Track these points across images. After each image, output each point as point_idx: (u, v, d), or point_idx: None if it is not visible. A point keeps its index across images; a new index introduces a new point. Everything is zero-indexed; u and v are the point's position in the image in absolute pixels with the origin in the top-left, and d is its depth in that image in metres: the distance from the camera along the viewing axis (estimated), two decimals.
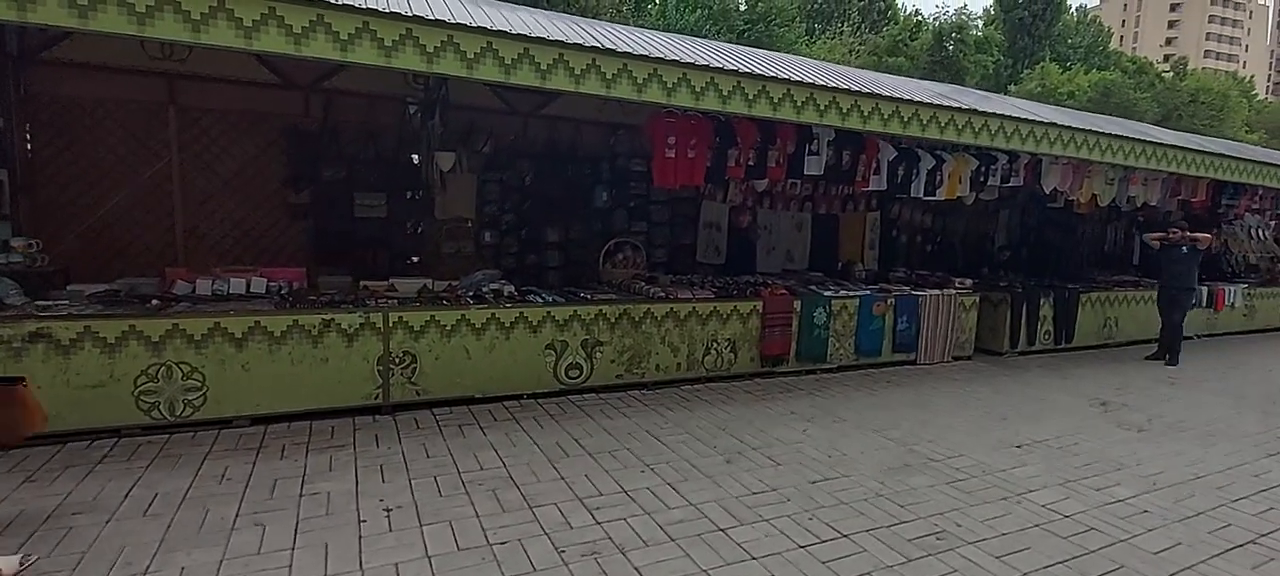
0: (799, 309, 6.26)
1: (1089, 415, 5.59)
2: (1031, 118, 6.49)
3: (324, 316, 4.50)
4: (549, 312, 5.20)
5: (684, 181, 5.43)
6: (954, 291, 7.30)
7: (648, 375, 5.65)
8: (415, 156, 6.46)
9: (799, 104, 5.06)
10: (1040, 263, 9.67)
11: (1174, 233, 7.89)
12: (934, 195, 6.69)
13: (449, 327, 4.87)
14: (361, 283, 5.34)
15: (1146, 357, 8.02)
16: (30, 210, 5.45)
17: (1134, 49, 63.94)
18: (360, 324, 4.60)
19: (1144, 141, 7.41)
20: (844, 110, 5.25)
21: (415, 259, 6.74)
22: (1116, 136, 7.10)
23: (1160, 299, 8.12)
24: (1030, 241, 10.30)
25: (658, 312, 5.62)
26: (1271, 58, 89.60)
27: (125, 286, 4.69)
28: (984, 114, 6.03)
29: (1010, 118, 6.23)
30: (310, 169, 6.17)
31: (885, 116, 5.45)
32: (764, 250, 8.31)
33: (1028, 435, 4.96)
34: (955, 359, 7.39)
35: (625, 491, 3.61)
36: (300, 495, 3.45)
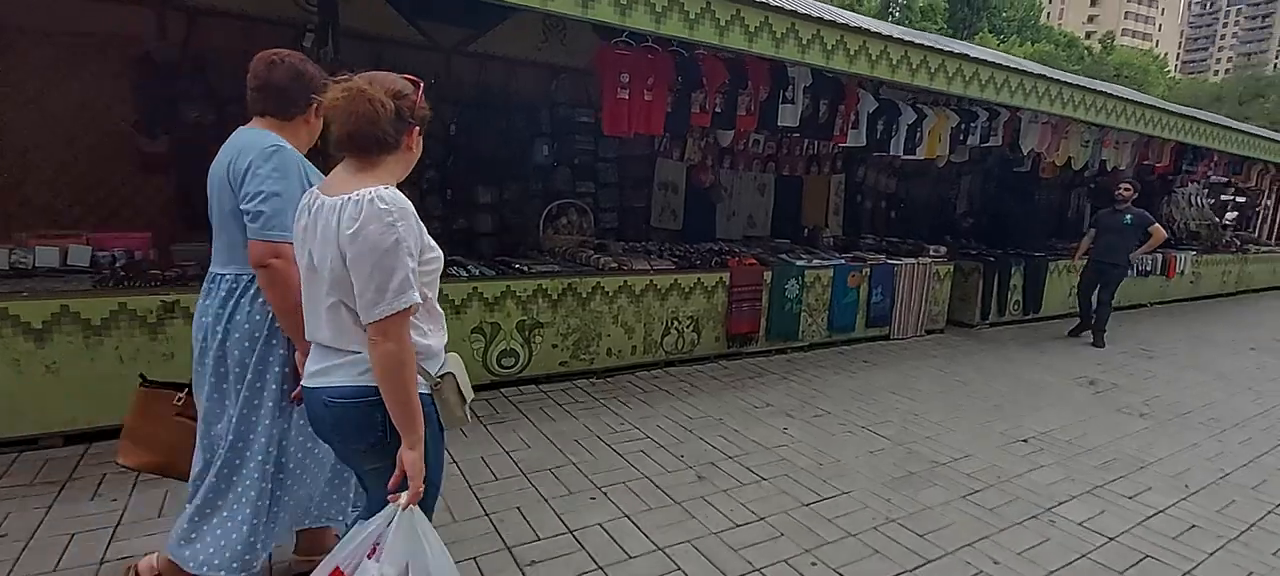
0: (769, 281, 5.49)
1: (1083, 399, 5.08)
2: (1024, 68, 5.85)
3: (165, 298, 3.38)
4: (476, 288, 4.22)
5: (639, 129, 4.49)
6: (929, 260, 6.69)
7: (597, 361, 4.77)
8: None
9: (778, 35, 4.18)
10: (1000, 231, 9.28)
11: (1125, 189, 6.78)
12: (913, 154, 6.00)
13: None
14: None
15: (1069, 333, 7.23)
16: None
17: (1060, 23, 66.27)
18: None
19: (1124, 99, 6.93)
20: (828, 46, 4.41)
21: None
22: (1100, 92, 6.57)
23: (1086, 272, 6.98)
24: (990, 208, 9.91)
25: (609, 287, 4.72)
26: (1181, 38, 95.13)
27: None
28: (977, 61, 5.32)
29: (1001, 67, 5.56)
30: (168, 109, 4.88)
31: (873, 57, 4.65)
32: (724, 215, 7.49)
33: (1030, 427, 4.37)
34: (928, 332, 6.83)
35: (570, 531, 2.73)
36: (102, 560, 2.41)
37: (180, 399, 2.12)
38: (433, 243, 1.54)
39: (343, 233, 1.41)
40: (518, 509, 2.90)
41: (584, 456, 3.48)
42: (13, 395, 3.14)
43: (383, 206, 1.40)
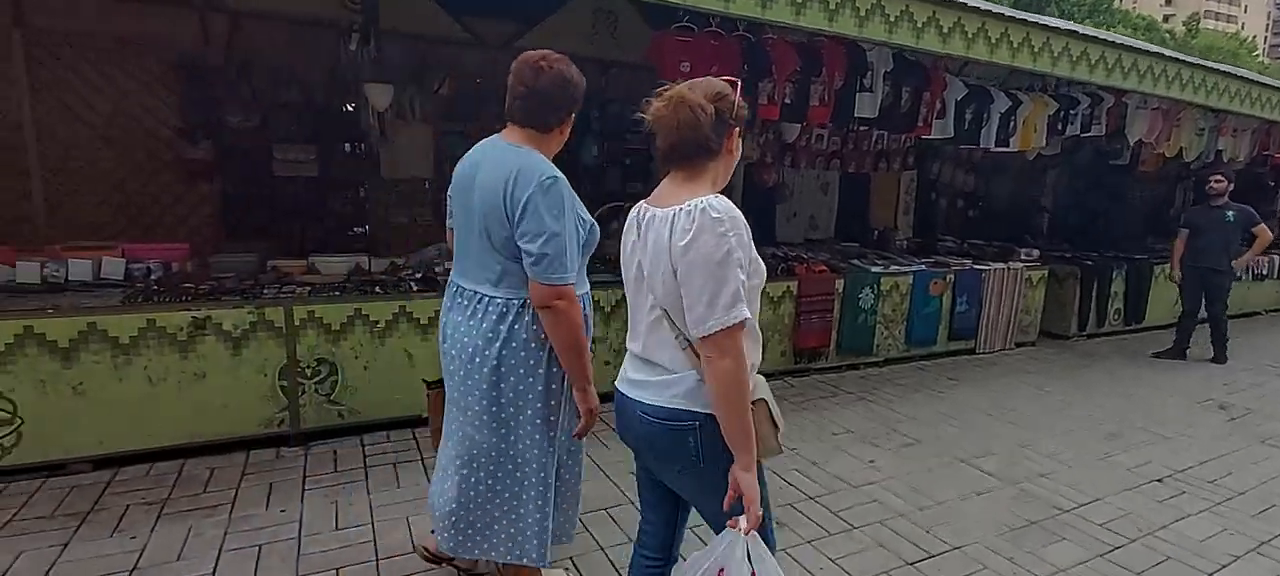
0: (842, 289, 4.96)
1: (1216, 427, 4.37)
2: (1137, 47, 5.14)
3: (195, 314, 3.15)
4: None
5: None
6: (1020, 265, 6.01)
7: None
8: (352, 105, 5.05)
9: (862, 13, 3.68)
10: (1092, 231, 8.41)
11: (1218, 181, 5.78)
12: (1006, 145, 5.35)
13: (383, 325, 3.53)
14: (269, 262, 3.99)
15: (1155, 355, 6.11)
16: None
17: (1134, 6, 62.15)
18: (251, 323, 3.25)
19: (1251, 81, 6.08)
20: (918, 23, 3.88)
21: (359, 229, 5.36)
22: (1222, 73, 5.76)
23: (1187, 283, 5.91)
24: (1079, 206, 9.02)
25: None
26: (1269, 21, 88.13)
27: None
28: (1086, 38, 4.67)
29: (1113, 45, 4.87)
30: (212, 114, 4.73)
31: (969, 35, 4.09)
32: (785, 216, 6.97)
33: (1161, 462, 3.73)
34: (1018, 345, 6.14)
35: None
36: None
37: None
38: (758, 257, 1.46)
39: (675, 244, 1.37)
40: (569, 563, 2.51)
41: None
42: (40, 418, 2.96)
43: (715, 216, 1.35)
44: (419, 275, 3.97)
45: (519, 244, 1.74)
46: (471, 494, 2.02)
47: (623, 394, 1.59)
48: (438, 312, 3.65)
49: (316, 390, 3.44)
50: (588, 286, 2.00)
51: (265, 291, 3.43)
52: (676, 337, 1.44)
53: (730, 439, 1.39)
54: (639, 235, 1.50)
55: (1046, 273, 6.28)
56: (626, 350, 1.63)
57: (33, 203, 4.47)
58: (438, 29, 5.08)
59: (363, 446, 3.48)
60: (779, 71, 4.13)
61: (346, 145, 5.17)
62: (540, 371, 1.87)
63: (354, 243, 5.25)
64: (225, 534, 2.65)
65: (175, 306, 3.14)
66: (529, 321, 1.84)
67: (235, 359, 3.25)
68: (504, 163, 1.77)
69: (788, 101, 4.31)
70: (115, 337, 3.03)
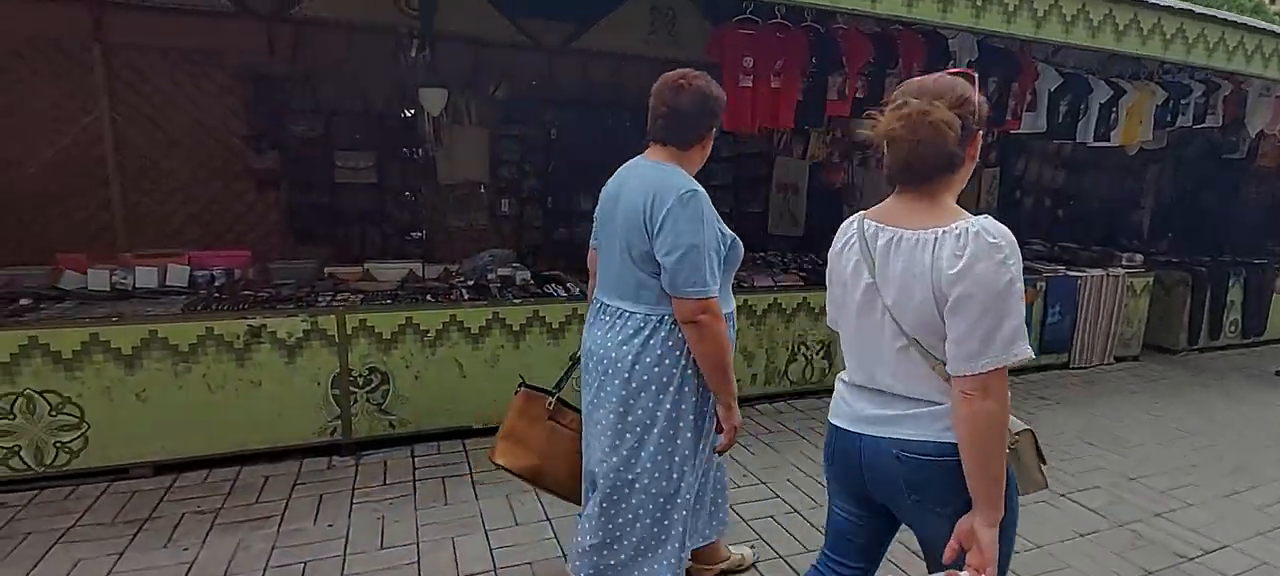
0: None
1: None
2: (1263, 27, 4.53)
3: (251, 322, 3.14)
4: (576, 310, 3.72)
5: (765, 122, 3.81)
6: (1120, 271, 5.44)
7: None
8: (410, 111, 5.06)
9: None
10: (1201, 232, 7.59)
11: None
12: (1106, 139, 4.84)
13: (433, 334, 3.45)
14: (326, 269, 4.00)
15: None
16: None
17: None
18: (304, 331, 3.23)
19: None
20: (1009, 8, 3.51)
21: (416, 234, 5.37)
22: None
23: None
24: (1187, 204, 8.17)
25: None
26: None
27: (4, 279, 3.46)
28: (1203, 18, 4.14)
29: (1234, 25, 4.31)
30: (277, 123, 4.83)
31: (1067, 18, 3.67)
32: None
33: None
34: (1118, 359, 5.57)
35: None
36: None
37: (551, 403, 2.20)
38: None
39: (943, 271, 1.25)
40: None
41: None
42: (105, 423, 3.01)
43: (991, 241, 1.23)
44: (471, 282, 3.89)
45: (657, 258, 1.76)
46: (608, 522, 1.97)
47: (855, 433, 1.43)
48: (488, 322, 3.56)
49: (368, 399, 3.39)
50: (733, 304, 1.98)
51: (320, 299, 3.41)
52: (934, 368, 1.32)
53: (980, 489, 1.25)
54: (869, 256, 1.38)
55: (1152, 280, 5.67)
56: (843, 383, 1.50)
57: (112, 211, 4.67)
58: (493, 32, 5.02)
59: (413, 457, 3.41)
60: (851, 64, 3.83)
61: (404, 150, 5.18)
62: (672, 388, 1.85)
63: (411, 248, 5.26)
64: (272, 548, 2.60)
65: (233, 315, 3.15)
66: (664, 337, 1.83)
67: (290, 367, 3.24)
68: (646, 180, 1.80)
69: (860, 96, 4.00)
70: (176, 345, 3.05)
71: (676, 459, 1.90)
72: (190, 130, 4.75)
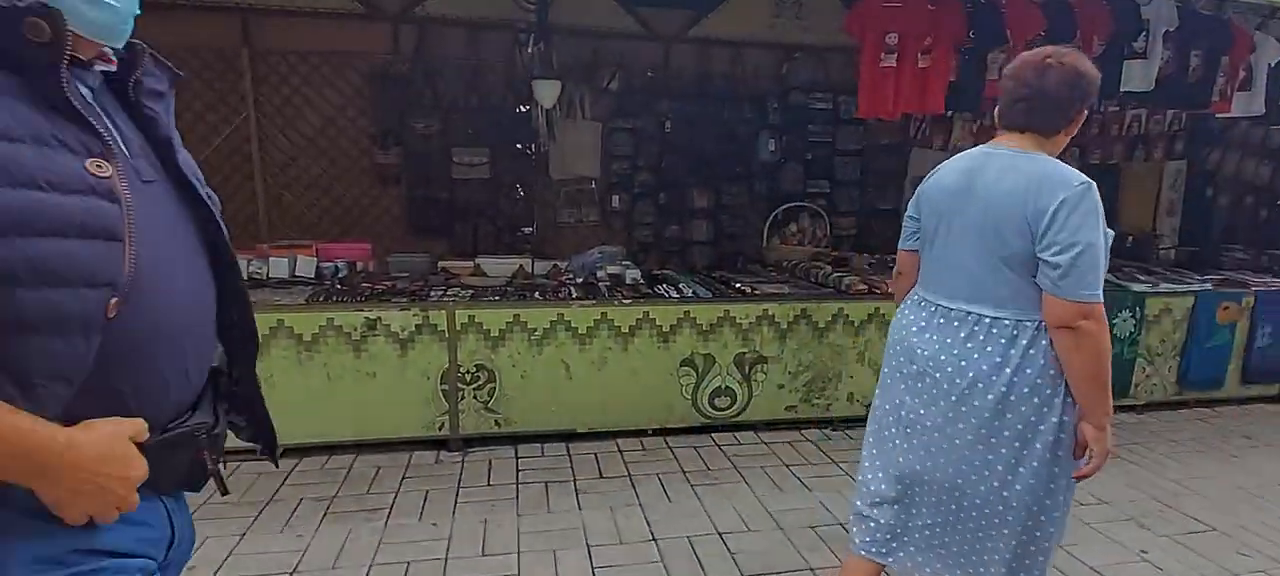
0: None
1: None
2: None
3: (368, 314, 3.18)
4: (687, 312, 3.48)
5: (909, 107, 3.37)
6: None
7: (835, 408, 3.74)
8: (525, 106, 5.03)
9: None
10: None
11: None
12: None
13: (540, 333, 3.34)
14: (440, 263, 4.02)
15: None
16: None
17: None
18: (416, 325, 3.23)
19: None
20: None
21: (527, 230, 5.35)
22: None
23: None
24: None
25: (854, 315, 3.65)
26: None
27: None
28: None
29: None
30: (398, 121, 4.98)
31: None
32: None
33: None
34: None
35: None
36: None
37: None
38: None
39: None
40: None
41: (823, 554, 2.52)
42: None
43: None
44: (579, 280, 3.75)
45: (1042, 257, 1.60)
46: (970, 543, 1.81)
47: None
48: (595, 323, 3.40)
49: (475, 397, 3.34)
50: None
51: (432, 293, 3.39)
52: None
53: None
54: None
55: None
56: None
57: (257, 204, 5.01)
58: (608, 22, 4.89)
59: (516, 458, 3.32)
60: (1016, 37, 3.28)
61: (518, 145, 5.17)
62: (1055, 402, 1.68)
63: (521, 243, 5.25)
64: (379, 543, 2.58)
65: (351, 305, 3.20)
66: (1045, 345, 1.67)
67: (402, 360, 3.25)
68: (1018, 170, 1.64)
69: None
70: (300, 334, 3.14)
71: (1063, 480, 1.71)
72: (323, 129, 5.00)
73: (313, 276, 3.66)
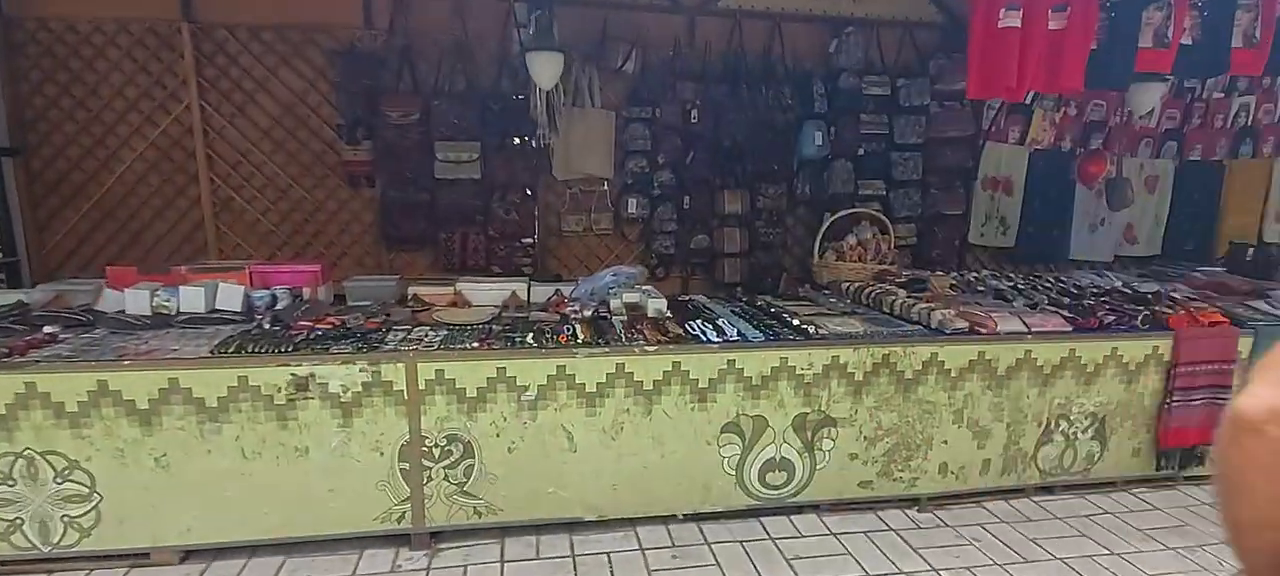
0: (1248, 352, 3.00)
1: None
2: None
3: (294, 371, 2.31)
4: (731, 361, 2.59)
5: (1035, 85, 2.48)
6: None
7: (922, 482, 2.85)
8: (521, 94, 4.15)
9: None
10: None
11: None
12: None
13: (534, 392, 2.47)
14: (411, 288, 3.15)
15: None
16: (25, 183, 3.97)
17: None
18: (364, 384, 2.36)
19: None
20: None
21: (526, 240, 4.47)
22: None
23: None
24: None
25: (951, 361, 2.75)
26: None
27: (48, 294, 2.90)
28: None
29: None
30: (370, 109, 4.11)
31: None
32: (1085, 222, 4.93)
33: None
34: None
35: None
36: None
37: None
38: None
39: None
40: None
41: None
42: (120, 495, 2.31)
43: None
44: (587, 313, 2.87)
45: None
46: None
47: None
48: (608, 377, 2.52)
49: (446, 477, 2.47)
50: None
51: (388, 339, 2.52)
52: None
53: None
54: None
55: None
56: None
57: (201, 210, 4.17)
58: None
59: (502, 559, 2.46)
60: None
61: (514, 139, 4.29)
62: None
63: (519, 257, 4.38)
64: None
65: (274, 358, 2.33)
66: None
67: (345, 430, 2.38)
68: None
69: (1188, 42, 2.52)
70: (201, 398, 2.28)
71: None
72: (280, 119, 4.15)
73: (238, 310, 2.79)
